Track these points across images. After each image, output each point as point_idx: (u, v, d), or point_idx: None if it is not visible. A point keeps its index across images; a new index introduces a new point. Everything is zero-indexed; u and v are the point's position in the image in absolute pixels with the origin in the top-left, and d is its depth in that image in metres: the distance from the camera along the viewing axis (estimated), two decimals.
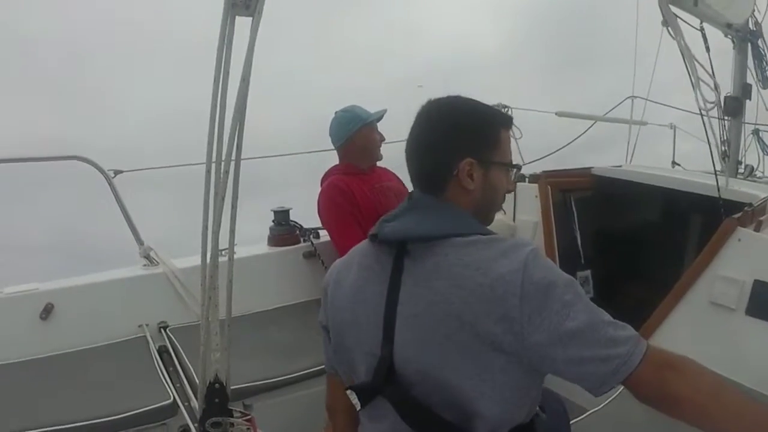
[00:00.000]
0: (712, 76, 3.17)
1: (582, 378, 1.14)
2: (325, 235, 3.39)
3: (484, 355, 1.14)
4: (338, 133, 3.07)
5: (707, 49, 3.32)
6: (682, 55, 2.83)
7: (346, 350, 1.37)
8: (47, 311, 2.65)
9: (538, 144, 4.26)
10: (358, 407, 1.31)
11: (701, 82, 3.01)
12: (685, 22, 3.19)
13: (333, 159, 3.20)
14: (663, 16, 2.93)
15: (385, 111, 3.09)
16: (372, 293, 1.28)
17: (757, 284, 2.20)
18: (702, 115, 2.71)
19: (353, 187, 2.99)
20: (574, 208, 3.59)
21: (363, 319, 1.29)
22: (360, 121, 3.01)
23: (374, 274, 1.29)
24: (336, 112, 3.09)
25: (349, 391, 1.32)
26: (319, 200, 3.10)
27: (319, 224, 3.35)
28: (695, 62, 3.00)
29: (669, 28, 2.94)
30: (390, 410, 1.24)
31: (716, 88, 3.19)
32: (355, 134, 3.02)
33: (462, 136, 1.30)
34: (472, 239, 1.21)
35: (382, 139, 3.09)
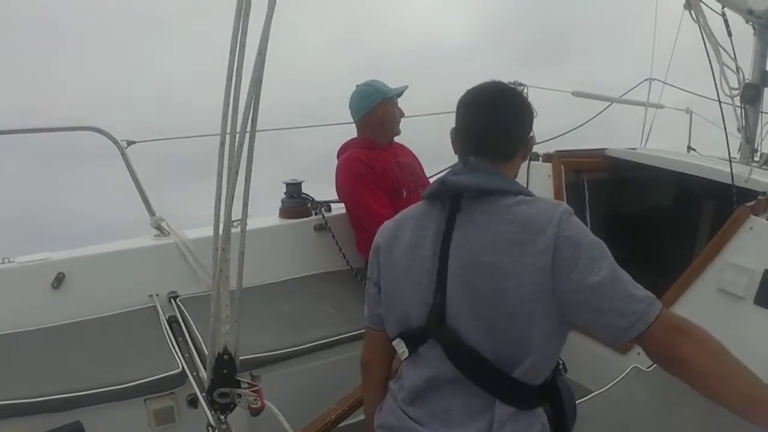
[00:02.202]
0: (735, 60, 3.14)
1: (601, 328, 1.26)
2: (336, 209, 3.39)
3: (525, 305, 1.27)
4: (359, 106, 3.05)
5: (729, 33, 3.27)
6: (703, 39, 2.79)
7: (401, 302, 1.48)
8: (58, 280, 2.67)
9: (551, 124, 4.23)
10: (405, 355, 1.46)
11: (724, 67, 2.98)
12: (707, 6, 3.14)
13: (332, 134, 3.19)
14: None
15: (406, 87, 3.08)
16: (427, 250, 1.41)
17: None
18: (720, 101, 2.67)
19: (372, 161, 2.99)
20: (586, 189, 3.57)
21: (418, 273, 1.42)
22: (381, 95, 3.00)
23: (429, 233, 1.42)
24: (357, 85, 3.08)
25: (396, 340, 1.48)
26: (337, 174, 3.10)
27: (330, 197, 3.36)
28: (719, 47, 2.96)
29: (692, 12, 2.90)
30: (435, 358, 1.39)
31: (739, 72, 3.15)
32: (376, 108, 3.01)
33: (527, 116, 1.51)
34: (517, 200, 1.35)
35: (402, 114, 3.08)
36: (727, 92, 3.18)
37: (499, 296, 1.28)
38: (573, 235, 1.26)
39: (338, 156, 3.15)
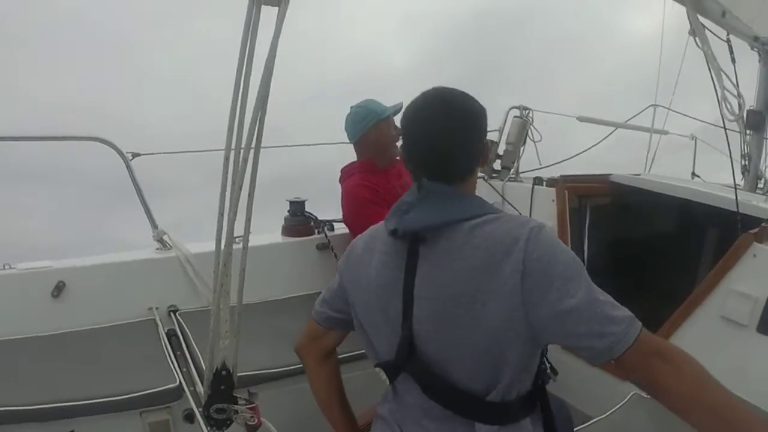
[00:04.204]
0: (737, 86, 3.15)
1: (578, 350, 1.20)
2: (339, 228, 3.39)
3: (497, 332, 1.21)
4: (353, 129, 3.00)
5: (733, 60, 3.28)
6: (708, 65, 2.80)
7: (374, 330, 1.45)
8: (59, 289, 2.67)
9: (554, 147, 4.23)
10: (388, 383, 1.45)
11: (727, 93, 3.00)
12: (712, 32, 3.16)
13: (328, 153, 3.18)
14: (690, 26, 2.91)
15: (401, 104, 3.00)
16: (392, 278, 1.35)
17: None
18: (725, 128, 2.68)
19: (377, 185, 2.95)
20: (587, 216, 3.57)
21: (386, 302, 1.37)
22: (375, 117, 2.94)
23: (393, 261, 1.37)
24: (351, 108, 3.02)
25: (378, 369, 1.44)
26: (343, 202, 3.06)
27: (333, 216, 3.35)
28: (721, 73, 2.97)
29: (696, 38, 2.91)
30: (411, 388, 1.37)
31: (739, 98, 3.16)
32: (370, 130, 2.95)
33: (483, 122, 1.41)
34: (481, 220, 1.28)
35: (399, 133, 3.05)
36: (729, 117, 3.18)
37: (468, 325, 1.23)
38: (542, 256, 1.19)
39: (341, 182, 3.11)
